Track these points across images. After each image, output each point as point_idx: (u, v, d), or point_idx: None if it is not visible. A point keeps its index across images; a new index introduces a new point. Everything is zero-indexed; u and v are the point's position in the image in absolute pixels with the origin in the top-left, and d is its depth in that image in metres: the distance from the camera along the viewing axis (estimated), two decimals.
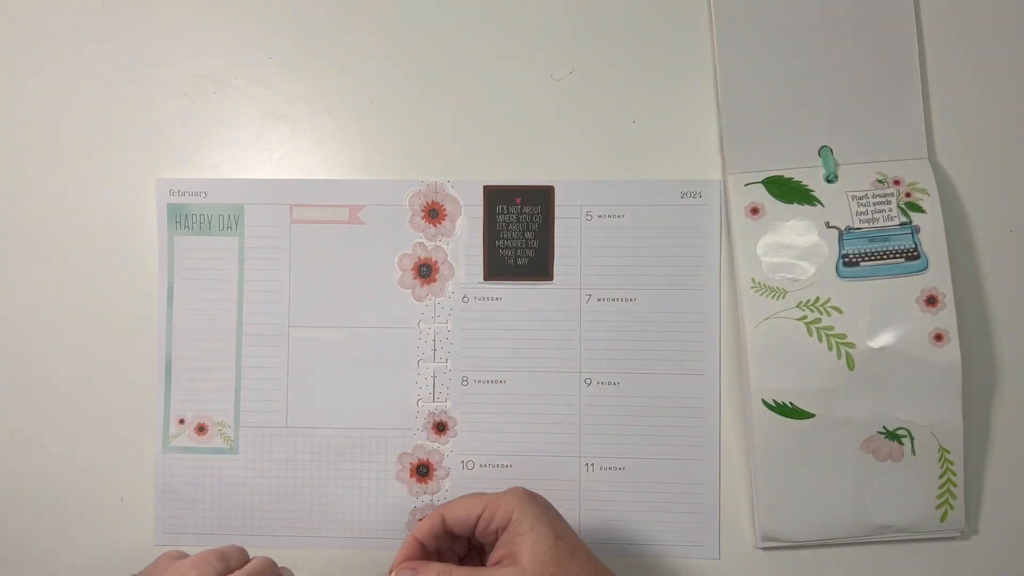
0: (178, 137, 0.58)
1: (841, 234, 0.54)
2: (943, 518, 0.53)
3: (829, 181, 0.55)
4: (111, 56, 0.59)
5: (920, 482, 0.53)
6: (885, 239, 0.53)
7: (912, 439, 0.53)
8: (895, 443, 0.53)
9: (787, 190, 0.55)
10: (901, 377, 0.53)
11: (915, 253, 0.53)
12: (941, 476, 0.53)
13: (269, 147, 0.58)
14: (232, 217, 0.58)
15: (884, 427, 0.53)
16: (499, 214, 0.57)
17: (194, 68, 0.58)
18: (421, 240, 0.57)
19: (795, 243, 0.54)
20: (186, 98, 0.59)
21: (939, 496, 0.53)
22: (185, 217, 0.58)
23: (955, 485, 0.53)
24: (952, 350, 0.52)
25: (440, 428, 0.57)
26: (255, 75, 0.58)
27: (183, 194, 0.58)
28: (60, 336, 0.58)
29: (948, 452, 0.53)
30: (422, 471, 0.57)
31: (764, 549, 0.55)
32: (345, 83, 0.58)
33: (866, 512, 0.54)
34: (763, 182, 0.55)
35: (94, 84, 0.58)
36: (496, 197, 0.57)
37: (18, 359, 0.58)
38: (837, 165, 0.55)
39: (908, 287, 0.53)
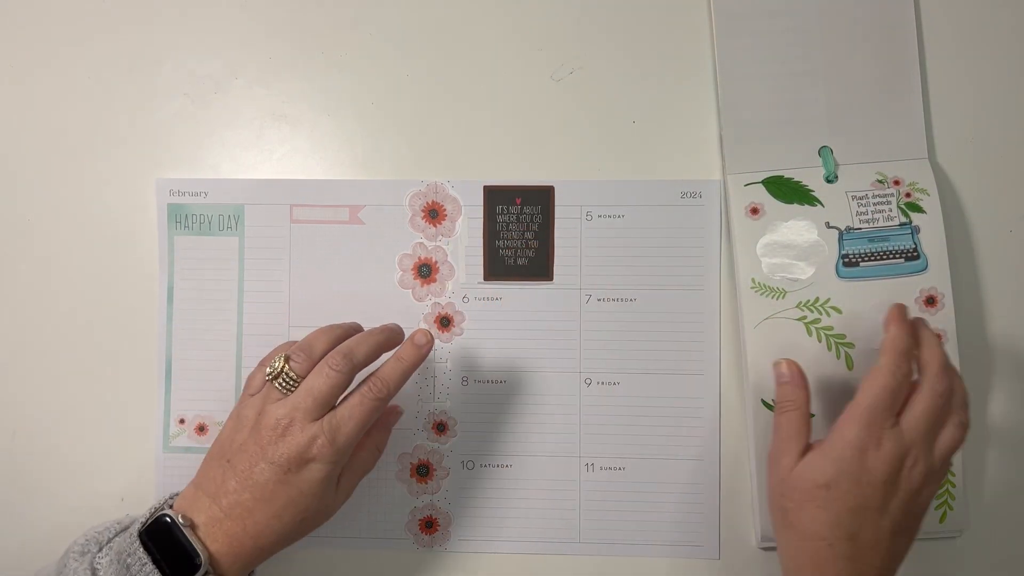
0: (178, 137, 0.58)
1: (841, 234, 0.54)
2: (942, 519, 0.53)
3: (829, 181, 0.55)
4: (111, 56, 0.59)
5: None
6: (885, 239, 0.53)
7: None
8: None
9: (787, 190, 0.55)
10: None
11: (915, 253, 0.53)
12: None
13: (269, 147, 0.58)
14: (232, 217, 0.58)
15: None
16: (499, 214, 0.57)
17: (194, 68, 0.58)
18: (421, 240, 0.57)
19: (795, 243, 0.54)
20: (186, 98, 0.59)
21: (938, 497, 0.53)
22: (185, 217, 0.58)
23: (953, 486, 0.53)
24: (950, 350, 0.52)
25: (440, 428, 0.57)
26: (255, 75, 0.58)
27: (183, 194, 0.58)
28: (60, 336, 0.58)
29: None
30: (422, 471, 0.57)
31: (764, 549, 0.55)
32: (345, 83, 0.58)
33: None
34: (763, 182, 0.55)
35: (94, 84, 0.58)
36: (496, 197, 0.57)
37: (18, 359, 0.58)
38: (837, 165, 0.55)
39: (907, 287, 0.53)
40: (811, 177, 0.55)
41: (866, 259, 0.53)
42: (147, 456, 0.57)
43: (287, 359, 0.47)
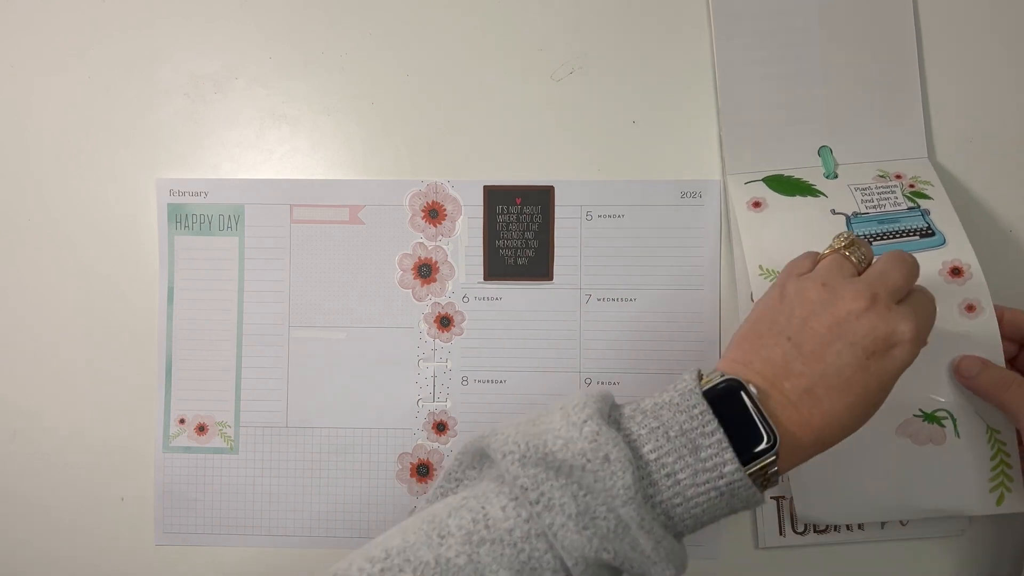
0: (178, 137, 0.58)
1: (848, 219, 0.52)
2: (999, 501, 0.49)
3: (829, 179, 0.55)
4: (112, 57, 0.59)
5: (969, 465, 0.49)
6: (895, 221, 0.52)
7: (954, 420, 0.49)
8: (935, 426, 0.49)
9: (788, 185, 0.54)
10: (934, 355, 0.48)
11: (929, 231, 0.51)
12: (993, 458, 0.49)
13: (269, 147, 0.58)
14: (232, 217, 0.58)
15: (921, 410, 0.49)
16: (499, 214, 0.57)
17: (194, 68, 0.58)
18: (421, 240, 0.57)
19: (802, 229, 0.52)
20: (186, 98, 0.59)
21: (992, 479, 0.49)
22: (185, 217, 0.58)
23: (1009, 467, 0.49)
24: (988, 320, 0.48)
25: (440, 428, 0.57)
26: (255, 75, 0.58)
27: (183, 194, 0.58)
28: (60, 336, 0.58)
29: (998, 432, 0.49)
30: (422, 471, 0.57)
31: (763, 549, 0.55)
32: (345, 83, 0.58)
33: (910, 496, 0.50)
34: (763, 180, 0.55)
35: (95, 85, 0.59)
36: (496, 197, 0.57)
37: (19, 359, 0.58)
38: (836, 164, 0.55)
39: (928, 261, 0.49)
40: (811, 175, 0.55)
41: (878, 239, 0.51)
42: (147, 456, 0.57)
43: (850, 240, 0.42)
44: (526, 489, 0.36)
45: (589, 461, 0.36)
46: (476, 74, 0.58)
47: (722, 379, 0.38)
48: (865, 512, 0.51)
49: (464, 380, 0.57)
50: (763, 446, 0.36)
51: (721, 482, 0.36)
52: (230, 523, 0.57)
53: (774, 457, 0.36)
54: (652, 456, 0.36)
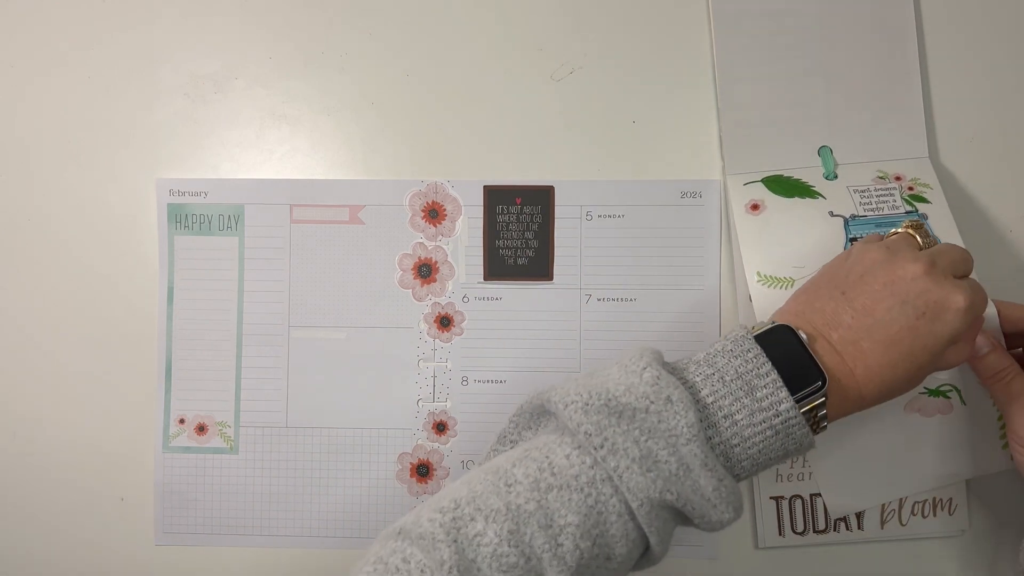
0: (178, 137, 0.58)
1: (846, 221, 0.53)
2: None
3: (829, 180, 0.55)
4: (112, 57, 0.59)
5: (978, 427, 0.51)
6: (892, 224, 0.52)
7: (958, 391, 0.51)
8: (941, 399, 0.51)
9: (787, 186, 0.54)
10: None
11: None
12: (1000, 417, 0.50)
13: (269, 147, 0.58)
14: (232, 217, 0.58)
15: (925, 387, 0.51)
16: (499, 214, 0.57)
17: (194, 68, 0.58)
18: (421, 240, 0.57)
19: (800, 233, 0.53)
20: (186, 98, 0.59)
21: (1002, 437, 0.51)
22: (185, 217, 0.58)
23: None
24: (988, 314, 0.48)
25: (440, 428, 0.57)
26: (255, 75, 0.58)
27: (183, 194, 0.58)
28: (60, 336, 0.58)
29: None
30: (422, 471, 0.57)
31: (763, 549, 0.55)
32: (345, 83, 0.58)
33: (930, 466, 0.51)
34: (763, 180, 0.55)
35: (95, 85, 0.59)
36: (496, 197, 0.57)
37: (18, 359, 0.58)
38: (836, 164, 0.55)
39: None
40: (811, 175, 0.55)
41: None
42: (147, 456, 0.57)
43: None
44: (590, 435, 0.37)
45: (652, 403, 0.37)
46: (476, 74, 0.58)
47: (772, 325, 0.40)
48: (891, 490, 0.53)
49: (464, 380, 0.57)
50: (813, 386, 0.38)
51: (777, 420, 0.38)
52: (230, 523, 0.57)
53: (824, 398, 0.38)
54: (709, 400, 0.38)
